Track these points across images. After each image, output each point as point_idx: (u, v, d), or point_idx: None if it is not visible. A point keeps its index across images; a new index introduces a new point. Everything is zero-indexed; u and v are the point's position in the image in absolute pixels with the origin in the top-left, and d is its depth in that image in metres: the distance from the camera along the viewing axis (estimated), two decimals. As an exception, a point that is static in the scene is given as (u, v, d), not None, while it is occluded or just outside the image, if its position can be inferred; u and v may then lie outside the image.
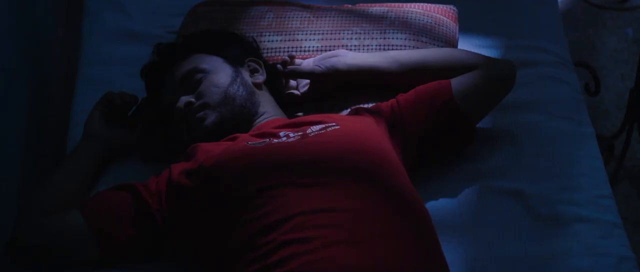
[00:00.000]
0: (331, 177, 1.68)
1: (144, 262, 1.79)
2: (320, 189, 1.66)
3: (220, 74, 1.92)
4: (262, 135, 1.82)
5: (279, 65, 2.03)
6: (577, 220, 1.86)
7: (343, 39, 2.12)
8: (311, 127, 1.81)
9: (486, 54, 2.06)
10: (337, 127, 1.80)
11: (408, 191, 1.72)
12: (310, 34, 2.14)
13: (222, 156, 1.74)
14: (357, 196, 1.65)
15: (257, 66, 2.00)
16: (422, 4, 2.24)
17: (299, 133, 1.80)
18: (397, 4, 2.24)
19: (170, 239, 1.76)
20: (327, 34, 2.13)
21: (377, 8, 2.21)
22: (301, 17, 2.18)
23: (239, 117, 1.89)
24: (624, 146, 2.66)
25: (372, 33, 2.13)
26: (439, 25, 2.17)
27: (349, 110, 1.99)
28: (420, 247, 1.63)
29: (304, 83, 2.05)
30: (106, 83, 2.14)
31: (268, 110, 1.94)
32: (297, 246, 1.57)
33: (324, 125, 1.81)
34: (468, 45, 2.22)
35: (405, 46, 2.10)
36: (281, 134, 1.81)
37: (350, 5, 2.25)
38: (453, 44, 2.17)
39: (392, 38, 2.12)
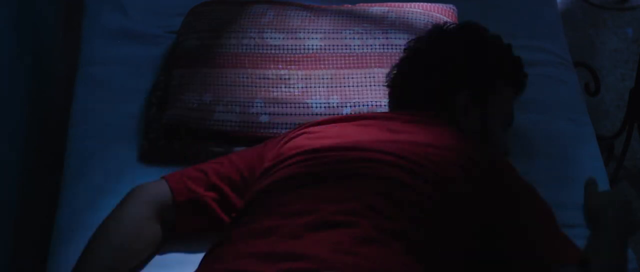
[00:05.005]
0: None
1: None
2: None
3: None
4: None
5: None
6: (577, 220, 1.86)
7: (345, 38, 2.12)
8: None
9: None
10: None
11: None
12: (312, 32, 2.13)
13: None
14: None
15: None
16: (422, 3, 2.23)
17: None
18: (397, 4, 2.23)
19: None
20: (328, 33, 2.13)
21: (377, 8, 2.21)
22: (302, 16, 2.18)
23: None
24: (624, 146, 2.65)
25: (374, 32, 2.13)
26: (439, 25, 2.17)
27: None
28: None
29: None
30: (106, 83, 2.14)
31: None
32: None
33: None
34: (468, 45, 2.22)
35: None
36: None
37: (350, 5, 2.25)
38: (453, 44, 2.17)
39: (395, 38, 2.11)
